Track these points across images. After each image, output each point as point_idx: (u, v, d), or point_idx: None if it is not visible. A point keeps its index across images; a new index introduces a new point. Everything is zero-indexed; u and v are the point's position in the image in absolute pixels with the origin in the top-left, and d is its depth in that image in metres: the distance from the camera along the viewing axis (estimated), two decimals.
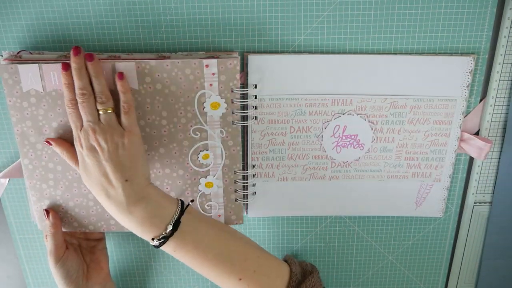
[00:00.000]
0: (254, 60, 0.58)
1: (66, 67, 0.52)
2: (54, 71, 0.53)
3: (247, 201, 0.64)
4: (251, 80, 0.59)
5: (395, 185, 0.66)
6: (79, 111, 0.52)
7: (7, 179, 0.65)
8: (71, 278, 0.60)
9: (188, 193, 0.61)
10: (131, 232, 0.53)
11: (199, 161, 0.60)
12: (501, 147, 0.65)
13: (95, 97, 0.52)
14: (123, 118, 0.53)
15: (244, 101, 0.58)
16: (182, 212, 0.53)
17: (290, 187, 0.65)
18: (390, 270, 0.74)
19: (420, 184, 0.66)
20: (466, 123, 0.63)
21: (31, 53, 0.57)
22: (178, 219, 0.52)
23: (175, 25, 0.58)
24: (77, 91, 0.52)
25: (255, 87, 0.59)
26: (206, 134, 0.58)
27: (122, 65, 0.54)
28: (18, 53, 0.56)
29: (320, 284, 0.58)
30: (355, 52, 0.59)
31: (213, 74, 0.55)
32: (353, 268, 0.74)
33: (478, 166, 0.67)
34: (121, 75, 0.53)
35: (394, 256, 0.73)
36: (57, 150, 0.56)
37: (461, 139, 0.63)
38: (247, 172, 0.62)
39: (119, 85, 0.53)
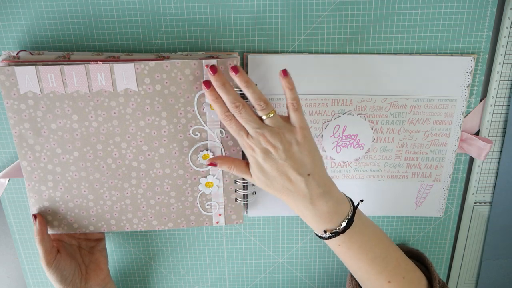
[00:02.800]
0: (254, 60, 0.58)
1: (208, 84, 0.53)
2: (51, 73, 0.53)
3: (247, 200, 0.64)
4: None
5: (395, 185, 0.66)
6: (237, 121, 0.53)
7: (7, 179, 0.65)
8: (66, 281, 0.60)
9: (188, 193, 0.61)
10: (131, 232, 0.53)
11: (199, 161, 0.60)
12: (501, 147, 0.65)
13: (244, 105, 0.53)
14: (293, 115, 0.53)
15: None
16: (355, 210, 0.55)
17: None
18: None
19: (420, 184, 0.65)
20: (466, 123, 0.63)
21: (31, 53, 0.57)
22: (352, 217, 0.54)
23: (175, 25, 0.58)
24: (230, 106, 0.53)
25: None
26: (206, 134, 0.58)
27: (120, 67, 0.54)
28: (17, 53, 0.56)
29: None
30: (355, 52, 0.59)
31: None
32: None
33: (478, 166, 0.67)
34: (285, 72, 0.53)
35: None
36: (224, 168, 0.57)
37: (461, 139, 0.63)
38: None
39: (284, 82, 0.53)
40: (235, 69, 0.52)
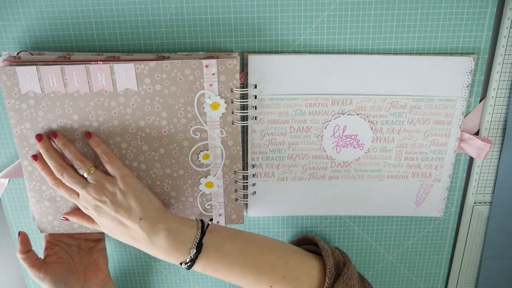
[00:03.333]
0: (254, 60, 0.58)
1: (35, 157, 0.56)
2: (52, 73, 0.53)
3: (247, 200, 0.64)
4: (251, 80, 0.59)
5: (395, 185, 0.66)
6: (64, 185, 0.55)
7: (7, 179, 0.65)
8: (59, 285, 0.60)
9: (188, 193, 0.61)
10: None
11: (199, 161, 0.60)
12: (501, 147, 0.65)
13: (71, 166, 0.56)
14: (108, 167, 0.56)
15: (244, 101, 0.58)
16: (203, 233, 0.55)
17: (290, 187, 0.65)
18: (390, 270, 0.74)
19: (420, 184, 0.65)
20: (466, 123, 0.63)
21: (31, 54, 0.57)
22: (200, 241, 0.55)
23: (175, 25, 0.58)
24: (54, 171, 0.55)
25: (255, 87, 0.59)
26: (206, 134, 0.58)
27: (121, 67, 0.54)
28: (18, 53, 0.56)
29: (356, 273, 0.59)
30: (355, 52, 0.59)
31: (213, 74, 0.55)
32: None
33: (478, 166, 0.67)
34: (89, 135, 0.57)
35: (394, 256, 0.73)
36: (74, 220, 0.59)
37: (461, 139, 0.63)
38: (247, 172, 0.62)
39: (90, 143, 0.57)
40: (53, 134, 0.56)
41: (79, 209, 0.58)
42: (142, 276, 0.73)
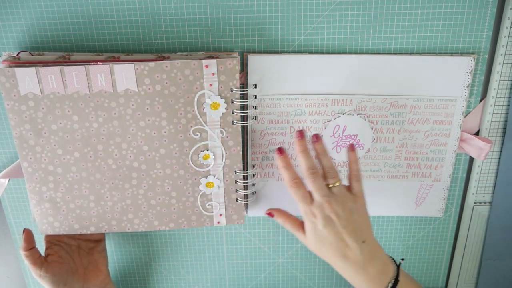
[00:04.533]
0: (253, 60, 0.58)
1: (281, 151, 0.58)
2: (51, 74, 0.53)
3: (247, 200, 0.64)
4: (251, 80, 0.59)
5: (395, 185, 0.66)
6: (304, 188, 0.57)
7: (7, 179, 0.65)
8: (58, 285, 0.60)
9: (189, 193, 0.61)
10: (131, 232, 0.53)
11: (200, 161, 0.60)
12: (501, 147, 0.65)
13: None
14: (355, 185, 0.58)
15: (244, 101, 0.58)
16: (398, 270, 0.57)
17: None
18: None
19: (420, 184, 0.66)
20: (466, 123, 0.63)
21: (31, 54, 0.57)
22: (397, 277, 0.56)
23: (175, 25, 0.58)
24: (307, 171, 0.56)
25: (255, 87, 0.59)
26: (206, 134, 0.58)
27: (120, 67, 0.54)
28: (17, 54, 0.56)
29: None
30: (355, 52, 0.59)
31: (213, 74, 0.55)
32: None
33: (478, 166, 0.67)
34: (352, 147, 0.59)
35: (394, 256, 0.73)
36: (279, 221, 0.61)
37: (461, 139, 0.63)
38: (247, 172, 0.62)
39: (351, 156, 0.59)
40: (317, 137, 0.58)
41: (283, 212, 0.60)
42: (142, 276, 0.73)
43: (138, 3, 0.56)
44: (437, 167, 0.64)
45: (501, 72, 0.61)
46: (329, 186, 0.56)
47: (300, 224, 0.59)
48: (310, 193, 0.57)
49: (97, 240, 0.66)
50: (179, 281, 0.74)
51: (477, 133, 0.65)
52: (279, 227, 0.70)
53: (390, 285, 0.55)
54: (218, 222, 0.64)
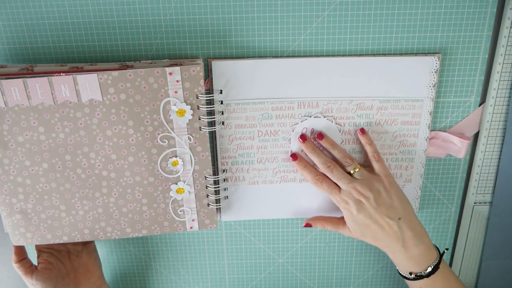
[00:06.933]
0: (218, 66, 0.58)
1: (294, 157, 0.62)
2: (15, 86, 0.53)
3: (219, 205, 0.64)
4: (216, 85, 0.59)
5: None
6: (327, 181, 0.60)
7: None
8: None
9: (160, 200, 0.61)
10: None
11: (169, 168, 0.60)
12: (501, 147, 0.65)
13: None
14: (376, 165, 0.60)
15: (210, 107, 0.58)
16: (441, 257, 0.59)
17: (261, 190, 0.65)
18: (390, 270, 0.74)
19: None
20: (466, 123, 0.63)
21: None
22: (438, 263, 0.58)
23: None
24: (323, 167, 0.60)
25: (221, 92, 0.59)
26: (174, 141, 0.58)
27: (84, 78, 0.54)
28: None
29: None
30: (321, 55, 0.59)
31: (177, 81, 0.55)
32: (353, 268, 0.74)
33: (478, 166, 0.66)
34: (363, 131, 0.61)
35: None
36: (318, 227, 0.64)
37: (435, 138, 0.63)
38: (218, 177, 0.63)
39: (364, 139, 0.61)
40: (321, 135, 0.61)
41: (320, 217, 0.64)
42: (142, 276, 0.74)
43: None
44: (408, 167, 0.64)
45: (501, 72, 0.61)
46: (350, 173, 0.59)
47: (340, 220, 0.62)
48: (336, 184, 0.59)
49: (85, 243, 0.66)
50: (179, 281, 0.74)
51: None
52: (279, 227, 0.70)
53: (429, 269, 0.57)
54: (191, 227, 0.64)
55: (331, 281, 0.75)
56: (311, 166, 0.61)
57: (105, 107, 0.56)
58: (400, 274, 0.61)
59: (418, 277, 0.58)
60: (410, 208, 0.59)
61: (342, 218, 0.62)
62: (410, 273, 0.59)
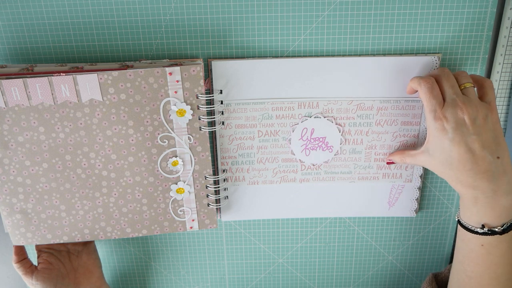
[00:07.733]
0: (218, 66, 0.58)
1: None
2: (15, 86, 0.53)
3: (219, 205, 0.64)
4: (216, 85, 0.59)
5: (366, 187, 0.65)
6: (438, 89, 0.51)
7: None
8: None
9: (160, 200, 0.61)
10: None
11: (169, 167, 0.60)
12: None
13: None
14: (489, 92, 0.52)
15: (210, 107, 0.58)
16: None
17: (261, 190, 0.65)
18: (390, 270, 0.74)
19: (391, 185, 0.65)
20: None
21: None
22: None
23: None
24: (438, 75, 0.52)
25: (221, 92, 0.59)
26: (174, 141, 0.58)
27: (84, 78, 0.54)
28: None
29: None
30: (321, 55, 0.59)
31: (177, 81, 0.55)
32: (353, 268, 0.74)
33: None
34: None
35: (394, 256, 0.72)
36: (397, 160, 0.61)
37: None
38: (217, 177, 0.62)
39: (475, 75, 0.54)
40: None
41: (398, 152, 0.60)
42: (142, 276, 0.74)
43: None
44: (408, 167, 0.64)
45: (501, 72, 0.60)
46: (462, 87, 0.51)
47: (416, 152, 0.55)
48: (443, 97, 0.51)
49: (85, 243, 0.66)
50: (179, 281, 0.74)
51: None
52: (279, 227, 0.70)
53: (505, 225, 0.49)
54: (191, 227, 0.64)
55: (331, 281, 0.75)
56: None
57: (105, 107, 0.56)
58: (462, 224, 0.52)
59: (490, 232, 0.49)
60: (508, 151, 0.50)
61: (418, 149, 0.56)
62: (483, 226, 0.50)
